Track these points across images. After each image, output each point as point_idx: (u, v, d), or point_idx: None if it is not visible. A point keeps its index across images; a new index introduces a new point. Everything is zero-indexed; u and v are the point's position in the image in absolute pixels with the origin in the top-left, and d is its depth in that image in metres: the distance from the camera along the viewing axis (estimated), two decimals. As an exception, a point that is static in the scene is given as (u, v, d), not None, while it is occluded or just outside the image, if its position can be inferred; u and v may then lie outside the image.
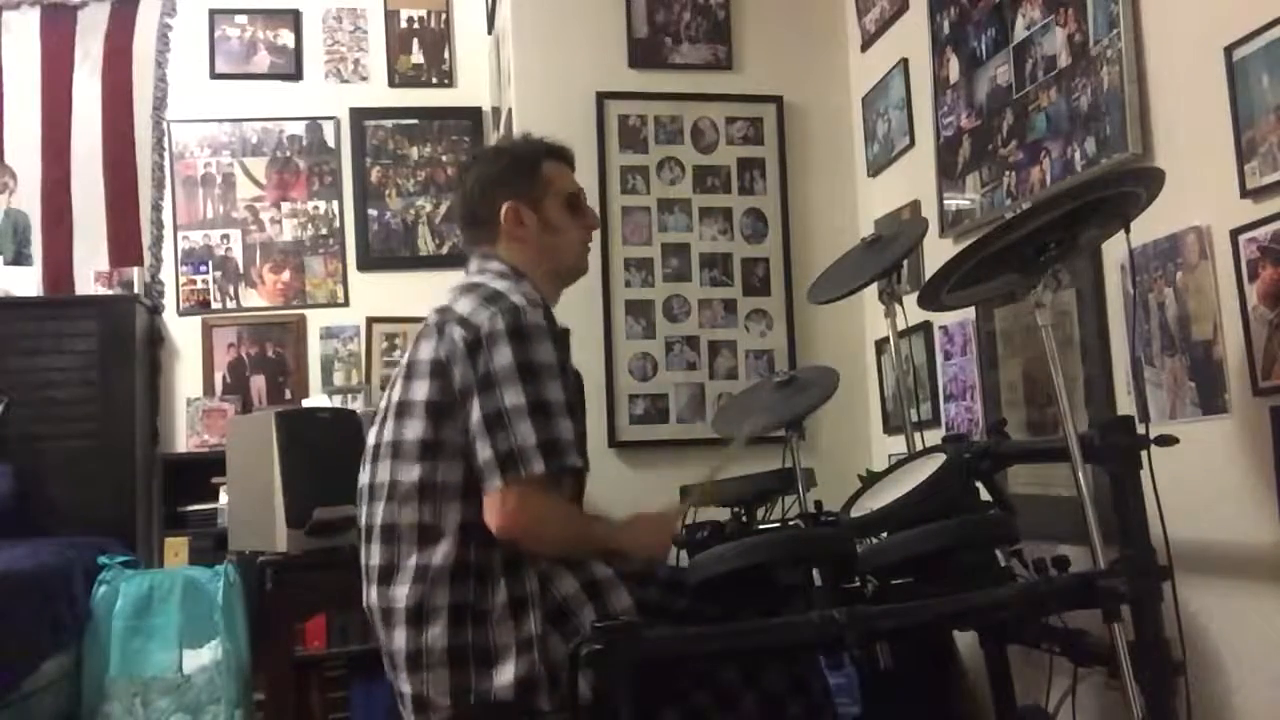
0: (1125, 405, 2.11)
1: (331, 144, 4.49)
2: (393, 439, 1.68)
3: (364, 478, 1.75)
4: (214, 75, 4.49)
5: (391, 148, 4.50)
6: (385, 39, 4.56)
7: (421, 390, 1.66)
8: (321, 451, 2.67)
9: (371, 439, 1.76)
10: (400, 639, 1.62)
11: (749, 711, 1.65)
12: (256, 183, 4.46)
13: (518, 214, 1.82)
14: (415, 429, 1.65)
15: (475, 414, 1.60)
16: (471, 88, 4.51)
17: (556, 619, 1.61)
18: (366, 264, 4.45)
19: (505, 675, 1.57)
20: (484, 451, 1.59)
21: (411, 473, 1.64)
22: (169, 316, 4.36)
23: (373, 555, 1.69)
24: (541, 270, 1.84)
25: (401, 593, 1.62)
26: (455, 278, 1.84)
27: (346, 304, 4.43)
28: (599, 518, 1.81)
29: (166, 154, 4.43)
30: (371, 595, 1.69)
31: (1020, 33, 2.43)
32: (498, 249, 1.84)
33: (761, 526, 2.50)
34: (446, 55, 4.58)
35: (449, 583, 1.60)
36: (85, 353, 3.98)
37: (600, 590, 1.65)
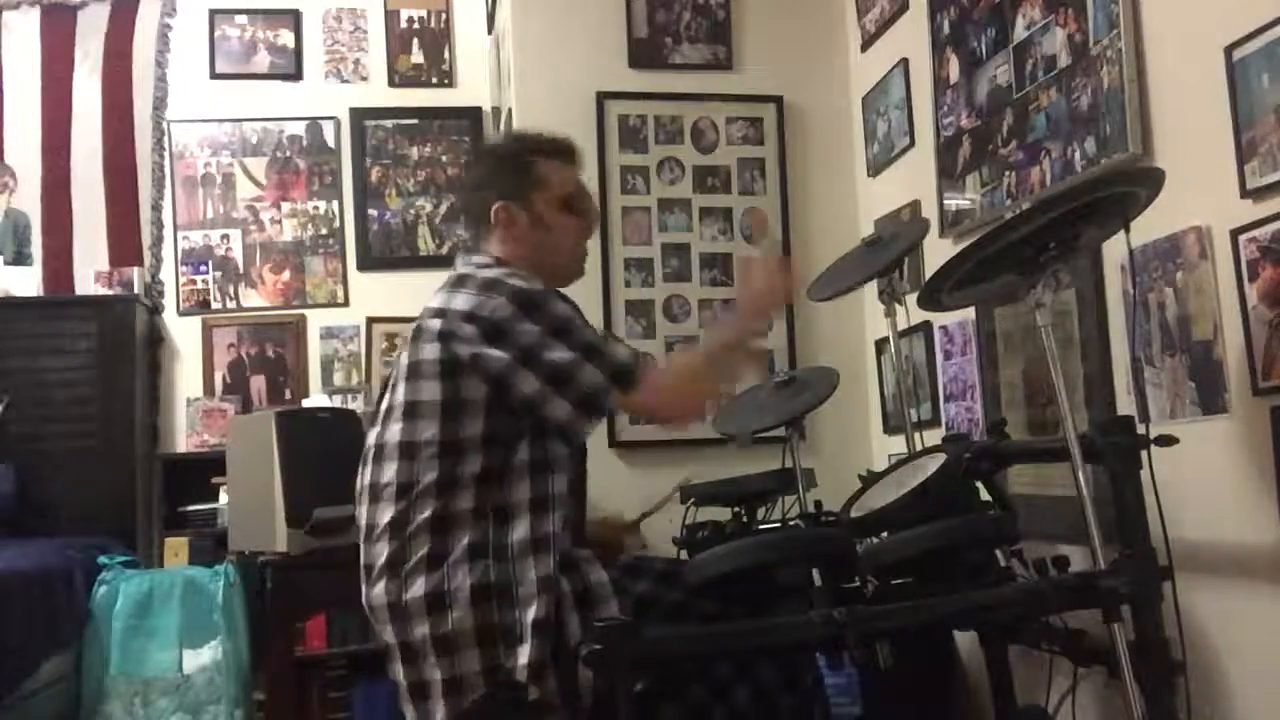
0: (1125, 405, 2.11)
1: (331, 144, 4.49)
2: (404, 439, 1.67)
3: (366, 477, 1.75)
4: (214, 75, 4.48)
5: (391, 148, 4.49)
6: (385, 39, 4.56)
7: (432, 391, 1.65)
8: (321, 451, 2.67)
9: (373, 439, 1.75)
10: (420, 629, 1.61)
11: (743, 705, 1.65)
12: (256, 183, 4.46)
13: (508, 213, 1.83)
14: (430, 429, 1.65)
15: (531, 385, 1.61)
16: (471, 88, 4.51)
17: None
18: (366, 264, 4.44)
19: (523, 656, 1.57)
20: (559, 409, 1.61)
21: (429, 473, 1.64)
22: (169, 316, 4.36)
23: (378, 553, 1.68)
24: (533, 268, 1.83)
25: (418, 582, 1.61)
26: (453, 278, 1.84)
27: (346, 304, 4.43)
28: (696, 354, 1.84)
29: (166, 154, 4.42)
30: (377, 590, 1.68)
31: (1020, 33, 2.43)
32: (490, 245, 1.84)
33: (761, 526, 2.50)
34: (446, 55, 4.58)
35: (468, 563, 1.60)
36: (85, 353, 3.98)
37: (592, 600, 1.65)
